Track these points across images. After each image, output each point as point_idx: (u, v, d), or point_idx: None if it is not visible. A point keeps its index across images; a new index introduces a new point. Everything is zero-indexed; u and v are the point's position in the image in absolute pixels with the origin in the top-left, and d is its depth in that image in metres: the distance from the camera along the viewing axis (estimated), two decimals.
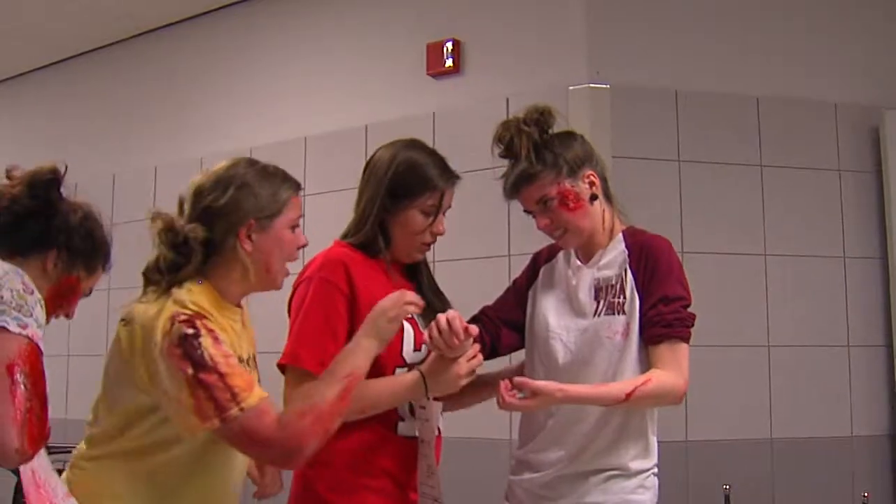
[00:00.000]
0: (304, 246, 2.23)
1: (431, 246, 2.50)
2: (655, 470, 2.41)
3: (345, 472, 2.34)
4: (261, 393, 2.01)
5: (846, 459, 4.07)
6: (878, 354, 4.19)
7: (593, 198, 2.43)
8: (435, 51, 4.50)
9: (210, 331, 2.00)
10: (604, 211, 2.45)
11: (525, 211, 2.47)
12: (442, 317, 2.22)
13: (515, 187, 2.42)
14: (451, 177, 2.46)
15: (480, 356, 2.29)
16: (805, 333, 4.10)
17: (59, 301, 2.31)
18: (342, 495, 2.33)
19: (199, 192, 2.14)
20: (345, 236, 2.46)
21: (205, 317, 2.02)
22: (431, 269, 2.59)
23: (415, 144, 2.51)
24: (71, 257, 2.26)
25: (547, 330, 2.43)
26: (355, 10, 4.94)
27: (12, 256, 2.13)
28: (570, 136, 2.46)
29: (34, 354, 1.96)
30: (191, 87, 5.57)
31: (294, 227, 2.20)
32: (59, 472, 2.15)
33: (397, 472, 2.36)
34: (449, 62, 4.45)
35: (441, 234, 2.48)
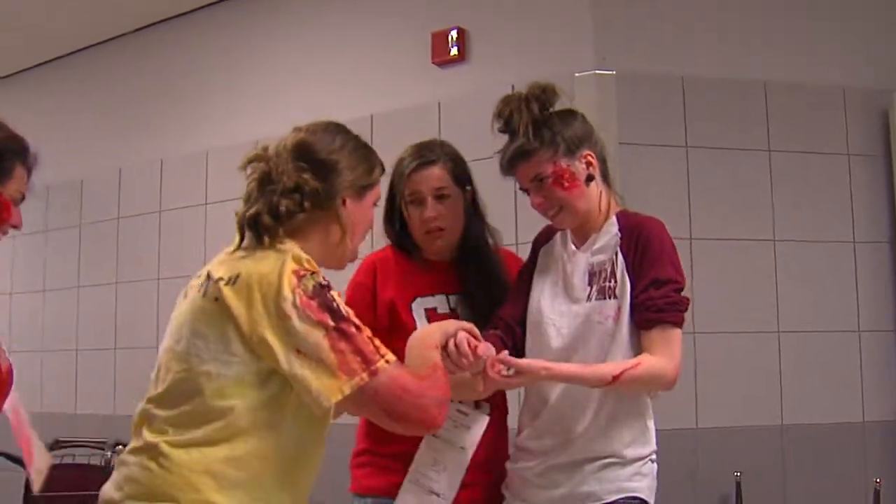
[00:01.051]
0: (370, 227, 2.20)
1: (439, 232, 2.59)
2: (654, 457, 2.39)
3: (363, 451, 2.63)
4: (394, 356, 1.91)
5: (858, 445, 4.05)
6: (889, 339, 4.16)
7: (590, 178, 2.41)
8: (440, 39, 4.47)
9: (334, 287, 1.90)
10: (601, 193, 2.43)
11: (521, 188, 2.45)
12: (450, 341, 2.20)
13: (511, 163, 2.40)
14: (414, 163, 2.58)
15: (499, 365, 2.24)
16: (815, 319, 4.08)
17: None
18: (358, 469, 2.63)
19: (303, 145, 2.03)
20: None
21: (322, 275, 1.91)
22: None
23: (416, 143, 2.68)
24: None
25: (540, 314, 2.43)
26: (359, 0, 4.92)
27: None
28: (570, 114, 2.45)
29: None
30: (195, 80, 5.56)
31: (375, 205, 2.18)
32: (76, 465, 2.10)
33: (406, 452, 2.42)
34: (454, 50, 4.42)
35: (430, 218, 2.56)
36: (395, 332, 2.41)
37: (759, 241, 4.07)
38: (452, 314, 2.54)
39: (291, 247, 1.93)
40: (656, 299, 2.27)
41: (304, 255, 1.91)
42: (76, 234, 6.00)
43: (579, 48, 4.06)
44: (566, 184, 2.36)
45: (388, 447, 2.51)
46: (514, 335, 2.48)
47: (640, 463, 2.34)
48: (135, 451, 1.91)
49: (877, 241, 4.21)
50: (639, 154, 3.88)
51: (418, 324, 2.49)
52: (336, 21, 4.99)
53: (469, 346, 2.19)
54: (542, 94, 2.39)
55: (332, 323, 1.82)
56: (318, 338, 1.80)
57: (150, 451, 1.86)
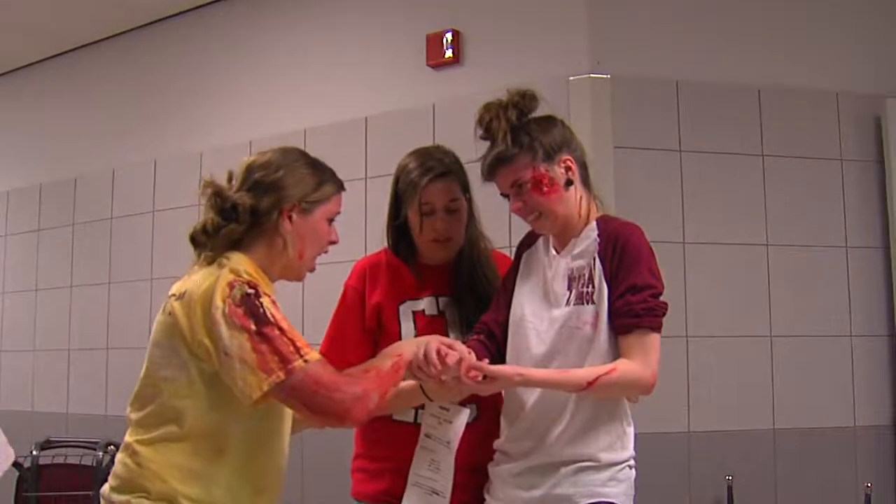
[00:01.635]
0: (334, 242, 2.35)
1: (447, 243, 2.61)
2: (632, 462, 2.38)
3: (361, 462, 2.64)
4: (318, 354, 2.10)
5: (849, 450, 4.06)
6: (881, 344, 4.17)
7: (568, 183, 2.40)
8: (435, 42, 4.47)
9: (267, 294, 2.11)
10: (580, 198, 2.43)
11: (501, 194, 2.46)
12: (420, 350, 2.28)
13: (491, 169, 2.42)
14: (427, 176, 2.57)
15: (473, 371, 2.28)
16: (807, 324, 4.09)
17: None
18: (361, 482, 2.64)
19: (250, 168, 2.27)
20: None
21: (258, 283, 2.12)
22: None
23: (417, 149, 2.68)
24: None
25: (522, 319, 2.43)
26: (354, 1, 4.92)
27: None
28: (549, 120, 2.45)
29: None
30: (190, 80, 5.55)
31: (331, 220, 2.33)
32: (68, 465, 2.16)
33: (393, 455, 2.49)
34: (449, 53, 4.42)
35: (439, 231, 2.58)
36: (380, 336, 2.53)
37: (752, 246, 4.07)
38: (440, 317, 2.56)
39: (236, 259, 2.17)
40: (634, 304, 2.28)
41: (242, 268, 2.14)
42: (69, 234, 5.99)
43: (574, 52, 4.06)
44: (545, 189, 2.37)
45: (376, 451, 2.59)
46: (497, 341, 2.49)
47: (617, 468, 2.34)
48: (121, 450, 2.19)
49: (869, 245, 4.22)
50: (633, 158, 3.89)
51: (403, 327, 2.53)
52: (331, 23, 4.99)
53: (439, 354, 2.25)
54: (521, 101, 2.41)
55: (254, 327, 2.03)
56: (242, 340, 2.02)
57: (127, 449, 2.15)
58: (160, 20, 5.75)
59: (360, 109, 4.66)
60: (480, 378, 2.27)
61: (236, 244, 2.22)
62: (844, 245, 4.17)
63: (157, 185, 5.42)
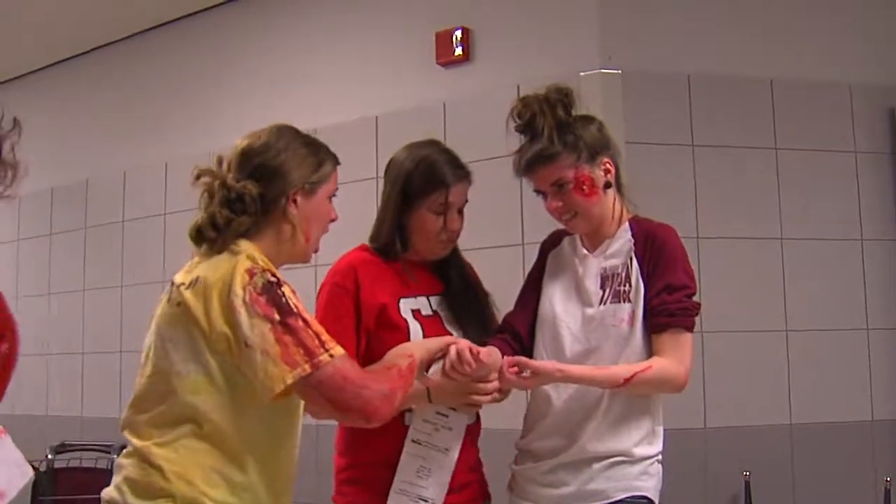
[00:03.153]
0: (334, 220, 2.28)
1: (451, 242, 2.55)
2: (660, 457, 2.40)
3: (361, 469, 2.47)
4: (342, 350, 2.01)
5: (867, 444, 4.04)
6: None
7: (607, 185, 2.42)
8: (444, 39, 4.47)
9: (287, 284, 2.02)
10: (615, 200, 2.45)
11: (535, 190, 2.47)
12: (453, 348, 2.29)
13: (531, 166, 2.40)
14: (457, 174, 2.49)
15: (496, 382, 2.32)
16: (823, 317, 4.07)
17: None
18: (363, 492, 2.46)
19: (248, 152, 2.16)
20: (370, 240, 2.56)
21: (277, 273, 2.03)
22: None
23: (428, 144, 2.56)
24: None
25: (553, 317, 2.44)
26: (363, 0, 4.92)
27: None
28: (590, 120, 2.46)
29: None
30: (200, 81, 5.56)
31: (331, 198, 2.26)
32: (83, 469, 2.07)
33: (383, 461, 2.41)
34: (458, 50, 4.42)
35: (455, 230, 2.52)
36: (387, 334, 2.41)
37: (766, 240, 4.06)
38: (435, 316, 2.51)
39: (246, 247, 2.07)
40: (669, 304, 2.31)
41: (258, 255, 2.05)
42: (81, 237, 6.01)
43: (585, 47, 4.05)
44: (586, 190, 2.38)
45: (360, 457, 2.48)
46: (521, 340, 2.49)
47: (648, 462, 2.35)
48: (129, 455, 2.06)
49: (884, 238, 4.20)
50: (645, 153, 3.86)
51: (412, 326, 2.46)
52: (340, 21, 4.99)
53: (472, 352, 2.26)
54: (565, 98, 2.41)
55: (277, 317, 1.94)
56: (264, 330, 1.93)
57: (142, 453, 2.01)
58: (171, 22, 5.76)
59: (371, 108, 4.66)
60: (523, 373, 2.29)
61: (242, 234, 2.11)
62: (860, 238, 4.15)
63: (168, 188, 5.42)
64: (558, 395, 2.39)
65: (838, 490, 3.94)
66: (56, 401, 5.94)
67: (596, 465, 2.32)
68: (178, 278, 2.07)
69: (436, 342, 2.34)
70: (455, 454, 2.39)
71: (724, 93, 4.08)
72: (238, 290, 1.95)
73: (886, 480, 3.88)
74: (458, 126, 4.22)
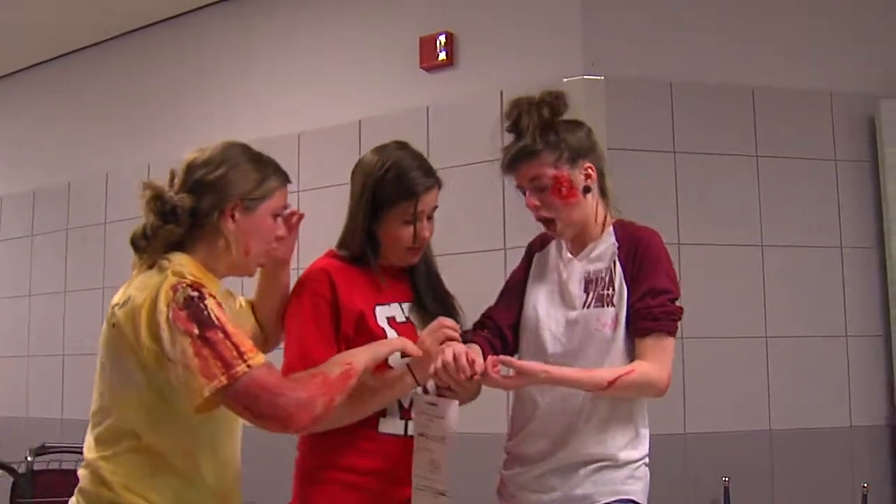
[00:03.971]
0: (281, 238, 2.30)
1: (422, 249, 2.50)
2: (646, 460, 2.40)
3: (323, 468, 2.40)
4: (264, 358, 2.03)
5: (845, 450, 4.06)
6: (876, 344, 4.18)
7: (587, 190, 2.42)
8: (428, 44, 4.48)
9: (212, 296, 2.03)
10: (597, 204, 2.46)
11: (517, 186, 2.46)
12: (448, 351, 2.26)
13: (513, 162, 2.42)
14: (426, 182, 2.44)
15: (499, 365, 2.28)
16: (802, 324, 4.10)
17: None
18: (319, 487, 2.39)
19: (191, 166, 2.19)
20: (339, 246, 2.50)
21: (203, 285, 2.05)
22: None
23: (398, 148, 2.49)
24: None
25: (537, 320, 2.44)
26: (348, 4, 4.92)
27: None
28: (577, 124, 2.47)
29: None
30: (184, 84, 5.55)
31: (276, 216, 2.25)
32: (63, 471, 2.11)
33: (380, 469, 2.38)
34: (442, 55, 4.43)
35: (425, 239, 2.48)
36: (364, 341, 2.34)
37: (746, 247, 4.09)
38: (408, 323, 2.48)
39: (177, 260, 2.11)
40: (652, 308, 2.31)
41: (186, 269, 2.08)
42: (63, 239, 5.98)
43: (568, 54, 4.07)
44: (564, 191, 2.38)
45: (360, 464, 2.40)
46: (503, 338, 2.49)
47: (634, 466, 2.36)
48: (84, 468, 2.12)
49: (864, 246, 4.23)
50: (627, 159, 3.88)
51: (388, 334, 2.41)
52: (324, 26, 4.99)
53: (467, 359, 2.24)
54: (555, 101, 2.42)
55: (196, 331, 1.97)
56: (185, 345, 1.96)
57: (92, 466, 2.08)
58: (154, 24, 5.75)
59: (354, 112, 4.66)
60: (505, 372, 2.28)
61: (177, 245, 2.15)
62: (839, 245, 4.18)
63: (109, 200, 5.41)
64: (542, 397, 2.39)
65: (817, 495, 3.96)
66: (36, 403, 5.90)
67: (582, 471, 2.33)
68: (116, 297, 2.13)
69: (385, 347, 2.32)
70: (448, 445, 2.33)
71: (706, 100, 4.10)
72: (162, 307, 1.99)
73: (864, 486, 3.91)
74: (441, 131, 4.23)
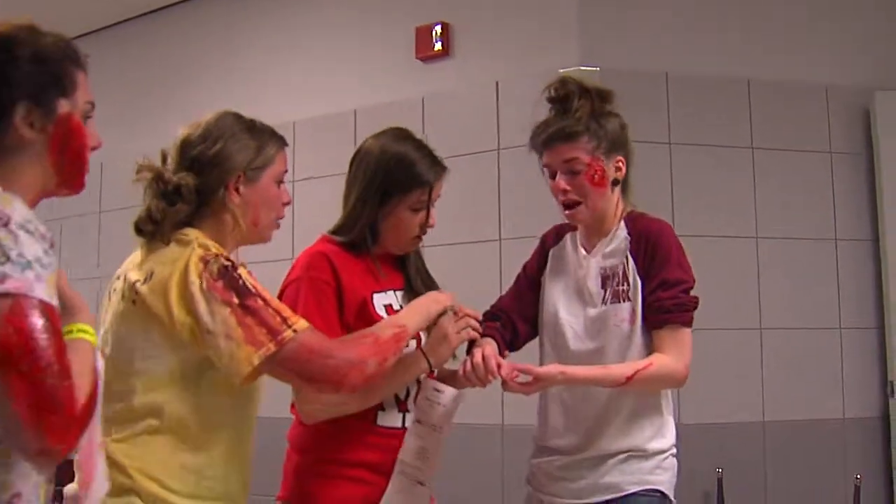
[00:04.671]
0: (287, 203, 2.25)
1: (421, 238, 2.50)
2: (674, 451, 2.43)
3: (323, 462, 2.37)
4: (307, 322, 2.00)
5: (838, 442, 4.07)
6: (870, 337, 4.19)
7: (615, 183, 2.45)
8: (424, 34, 4.47)
9: (243, 265, 2.01)
10: (618, 199, 2.48)
11: (545, 166, 2.45)
12: (478, 353, 2.32)
13: (551, 140, 2.41)
14: (437, 170, 2.44)
15: (516, 373, 2.33)
16: (797, 316, 4.10)
17: (74, 150, 1.70)
18: (320, 482, 2.35)
19: (186, 143, 2.14)
20: (334, 232, 2.46)
21: (228, 256, 2.02)
22: (423, 254, 2.60)
23: (401, 137, 2.48)
24: (37, 100, 1.63)
25: (557, 318, 2.46)
26: None
27: None
28: (617, 117, 2.48)
29: (21, 315, 1.37)
30: (178, 73, 5.53)
31: (280, 182, 2.22)
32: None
33: (378, 462, 2.35)
34: (438, 46, 4.42)
35: (432, 227, 2.48)
36: (365, 327, 2.28)
37: (741, 239, 4.09)
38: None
39: (195, 235, 2.05)
40: (665, 300, 2.34)
41: (209, 241, 2.04)
42: (58, 228, 5.96)
43: (564, 45, 4.06)
44: (597, 179, 2.39)
45: (354, 456, 2.36)
46: (514, 329, 2.53)
47: (662, 457, 2.39)
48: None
49: (858, 238, 4.23)
50: None
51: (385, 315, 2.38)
52: (319, 16, 4.98)
53: (495, 362, 2.31)
54: (605, 94, 2.44)
55: (236, 300, 1.93)
56: (224, 315, 1.92)
57: (105, 450, 1.94)
58: (149, 13, 5.73)
59: (350, 102, 4.65)
60: (524, 379, 2.32)
61: (185, 224, 2.09)
62: (834, 237, 4.19)
63: (104, 186, 5.37)
64: (569, 394, 2.43)
65: (810, 487, 3.97)
66: None
67: (611, 461, 2.36)
68: (133, 275, 2.04)
69: (435, 305, 2.32)
70: (444, 435, 2.35)
71: (702, 92, 4.10)
72: (194, 278, 1.94)
73: (857, 477, 3.92)
74: (436, 121, 4.22)
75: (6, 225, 1.42)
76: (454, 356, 2.42)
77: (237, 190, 2.12)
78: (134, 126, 5.63)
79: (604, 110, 2.43)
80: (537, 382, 2.32)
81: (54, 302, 1.44)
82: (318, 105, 4.78)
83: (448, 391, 2.34)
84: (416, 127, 4.05)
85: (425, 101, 4.40)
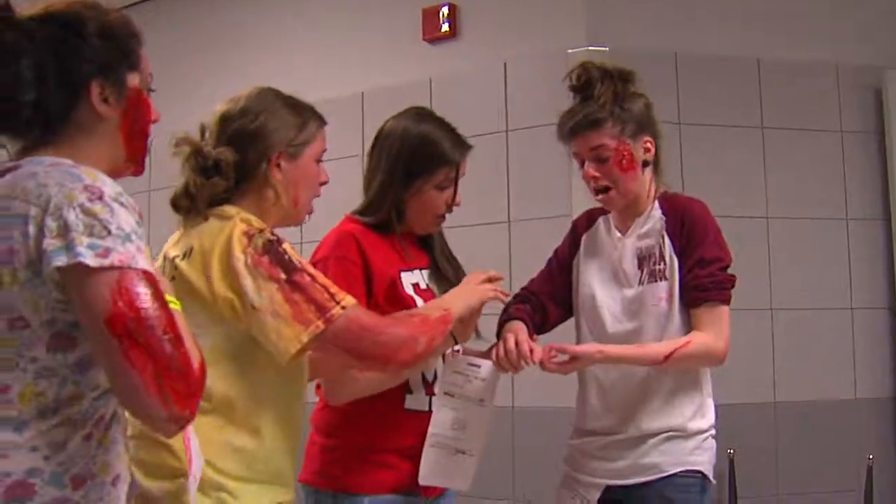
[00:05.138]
0: (325, 182, 2.21)
1: (445, 218, 2.51)
2: (713, 432, 2.44)
3: (352, 446, 2.36)
4: (353, 298, 1.96)
5: (850, 422, 4.06)
6: (882, 317, 4.17)
7: (645, 164, 2.44)
8: (431, 16, 4.44)
9: (286, 240, 1.96)
10: (651, 179, 2.47)
11: (573, 154, 2.47)
12: (511, 338, 2.33)
13: (576, 129, 2.41)
14: (463, 148, 2.46)
15: (554, 352, 2.34)
16: (808, 296, 4.08)
17: (142, 125, 1.68)
18: (349, 466, 2.34)
19: (226, 118, 2.10)
20: (359, 213, 2.47)
21: (272, 231, 1.97)
22: None
23: (425, 116, 2.50)
24: (109, 75, 1.59)
25: (593, 300, 2.47)
26: None
27: (47, 143, 1.55)
28: (640, 98, 2.47)
29: (130, 287, 1.37)
30: (183, 57, 5.48)
31: (319, 160, 2.18)
32: None
33: (406, 446, 2.36)
34: (445, 27, 4.39)
35: (458, 205, 2.49)
36: (393, 310, 2.26)
37: (751, 219, 4.07)
38: (429, 290, 2.48)
39: (236, 210, 2.00)
40: (701, 278, 2.34)
41: (251, 216, 1.98)
42: None
43: (572, 25, 4.03)
44: (625, 164, 2.39)
45: (384, 441, 2.36)
46: (544, 312, 2.54)
47: (702, 437, 2.39)
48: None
49: (869, 217, 4.21)
50: None
51: (418, 302, 2.39)
52: None
53: (528, 347, 2.32)
54: (627, 75, 2.44)
55: (283, 276, 1.88)
56: (271, 292, 1.87)
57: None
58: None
59: (357, 84, 4.62)
60: (561, 358, 2.33)
61: (224, 201, 2.04)
62: (845, 217, 4.16)
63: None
64: (606, 374, 2.43)
65: (822, 467, 3.97)
66: None
67: (651, 440, 2.36)
68: (172, 251, 2.02)
69: (475, 295, 2.30)
70: (491, 407, 2.37)
71: (712, 71, 4.07)
72: (238, 253, 1.89)
73: (869, 458, 3.91)
74: (444, 102, 4.16)
75: (101, 198, 1.40)
76: (477, 333, 2.43)
77: (279, 165, 2.08)
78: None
79: (627, 92, 2.43)
80: (575, 362, 2.32)
81: (154, 272, 1.43)
82: (326, 87, 4.71)
83: (485, 364, 2.37)
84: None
85: (433, 83, 4.38)
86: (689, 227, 2.38)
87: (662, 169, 2.53)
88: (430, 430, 2.34)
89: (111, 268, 1.36)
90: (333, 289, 1.93)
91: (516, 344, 2.32)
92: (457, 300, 2.25)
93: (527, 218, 3.92)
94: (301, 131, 2.12)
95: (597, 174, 2.40)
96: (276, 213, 2.10)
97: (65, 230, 1.35)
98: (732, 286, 2.40)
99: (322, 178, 2.20)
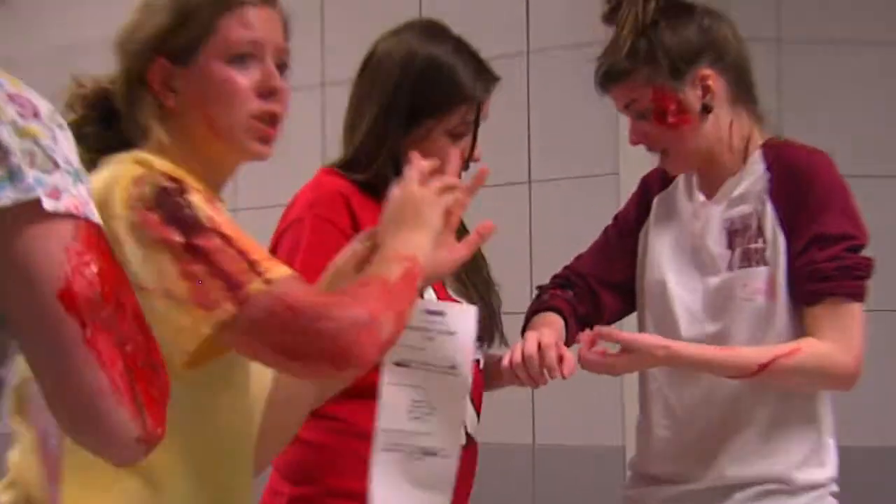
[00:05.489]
0: (273, 89, 1.57)
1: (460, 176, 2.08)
2: (834, 487, 2.00)
3: (334, 495, 1.95)
4: (288, 268, 1.47)
5: None
6: None
7: (705, 109, 1.99)
8: None
9: (198, 189, 1.47)
10: (731, 124, 2.01)
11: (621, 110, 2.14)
12: (533, 339, 1.88)
13: (603, 83, 2.04)
14: (487, 79, 2.07)
15: (598, 340, 1.97)
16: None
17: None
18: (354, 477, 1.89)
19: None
20: (341, 166, 2.07)
21: (183, 178, 1.49)
22: None
23: (434, 33, 2.11)
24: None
25: (664, 290, 2.07)
26: None
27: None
28: (685, 15, 2.02)
29: (97, 246, 1.02)
30: None
31: (236, 57, 1.56)
32: None
33: None
34: None
35: (478, 160, 2.07)
36: None
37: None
38: None
39: (137, 153, 1.53)
40: (820, 263, 1.91)
41: (153, 158, 1.50)
42: None
43: None
44: (671, 118, 1.97)
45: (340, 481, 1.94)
46: (596, 301, 2.14)
47: (815, 493, 1.97)
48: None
49: None
50: None
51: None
52: None
53: (556, 354, 1.87)
54: None
55: (179, 239, 1.41)
56: (161, 263, 1.41)
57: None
58: None
59: None
60: (609, 350, 1.94)
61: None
62: None
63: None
64: (679, 397, 2.03)
65: None
66: None
67: (738, 495, 1.96)
68: None
69: (434, 216, 1.66)
70: (468, 373, 1.82)
71: None
72: (120, 210, 1.41)
73: None
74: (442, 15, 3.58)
75: (36, 116, 1.01)
76: (502, 337, 2.09)
77: (168, 86, 1.55)
78: None
79: (663, 14, 2.01)
80: (627, 356, 1.93)
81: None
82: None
83: (452, 312, 1.82)
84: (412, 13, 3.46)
85: None
86: (803, 189, 1.95)
87: (762, 108, 2.08)
88: (378, 424, 1.79)
89: (66, 215, 0.97)
90: (257, 254, 1.43)
91: (539, 348, 1.86)
92: (410, 234, 1.61)
93: (552, 178, 3.60)
94: (187, 25, 1.55)
95: (638, 138, 2.07)
96: (194, 149, 1.57)
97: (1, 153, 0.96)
98: (868, 276, 1.94)
99: (252, 79, 1.56)
